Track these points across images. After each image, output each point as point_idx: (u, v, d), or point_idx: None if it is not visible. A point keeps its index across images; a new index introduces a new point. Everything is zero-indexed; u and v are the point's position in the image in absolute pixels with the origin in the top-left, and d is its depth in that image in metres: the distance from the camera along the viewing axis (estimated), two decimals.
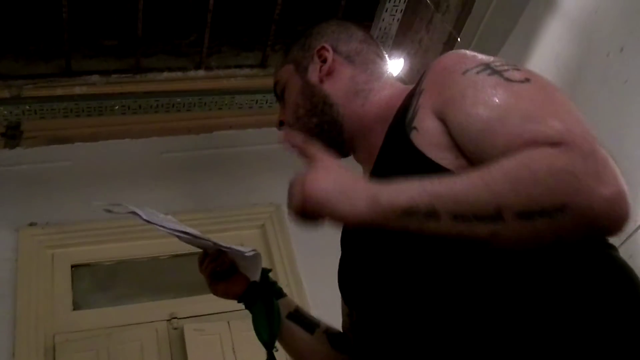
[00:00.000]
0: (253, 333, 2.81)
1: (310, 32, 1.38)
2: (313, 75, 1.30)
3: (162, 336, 2.79)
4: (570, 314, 0.86)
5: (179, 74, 3.35)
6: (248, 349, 2.72)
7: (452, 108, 0.98)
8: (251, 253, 1.36)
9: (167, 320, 2.84)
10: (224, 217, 3.13)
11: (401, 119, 1.08)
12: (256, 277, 1.44)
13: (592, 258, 0.92)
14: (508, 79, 0.96)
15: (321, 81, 1.29)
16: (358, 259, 1.14)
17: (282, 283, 2.33)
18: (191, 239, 1.35)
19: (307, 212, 0.93)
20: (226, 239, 1.45)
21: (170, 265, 3.11)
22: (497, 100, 0.94)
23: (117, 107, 3.22)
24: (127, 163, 3.28)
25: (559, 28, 2.59)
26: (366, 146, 1.23)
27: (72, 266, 3.00)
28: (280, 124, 1.36)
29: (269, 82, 3.46)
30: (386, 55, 1.39)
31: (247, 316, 2.44)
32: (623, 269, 0.94)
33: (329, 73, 1.29)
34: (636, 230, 2.00)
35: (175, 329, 2.81)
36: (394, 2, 3.09)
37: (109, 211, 1.37)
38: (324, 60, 1.30)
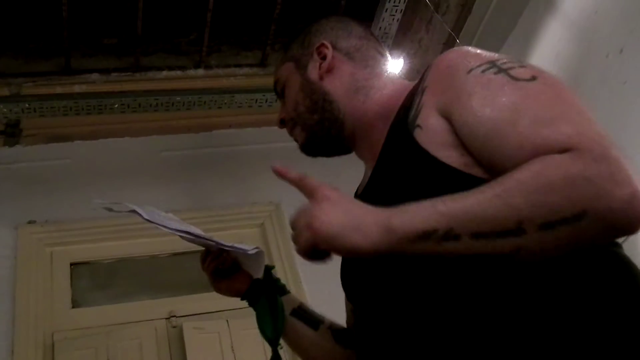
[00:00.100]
0: (252, 331, 2.81)
1: (310, 30, 1.37)
2: (313, 72, 1.30)
3: (161, 334, 2.79)
4: (574, 311, 0.86)
5: (179, 72, 3.34)
6: (247, 347, 2.72)
7: (459, 107, 0.97)
8: (254, 251, 1.36)
9: (166, 318, 2.84)
10: (224, 215, 3.13)
11: (404, 116, 1.08)
12: (259, 274, 1.43)
13: (596, 256, 0.91)
14: (515, 78, 0.95)
15: (321, 78, 1.29)
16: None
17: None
18: (193, 238, 1.35)
19: (319, 249, 0.91)
20: (225, 237, 1.45)
21: (170, 263, 3.11)
22: (505, 101, 0.93)
23: (116, 106, 3.22)
24: (127, 161, 3.28)
25: (559, 29, 2.60)
26: (368, 143, 1.23)
27: (71, 264, 3.00)
28: (281, 122, 1.36)
29: (269, 81, 3.46)
30: (387, 51, 1.39)
31: (246, 315, 2.44)
32: (627, 266, 0.94)
33: (329, 70, 1.29)
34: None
35: (174, 327, 2.81)
36: (394, 2, 3.09)
37: (110, 209, 1.36)
38: (324, 57, 1.30)
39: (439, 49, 3.17)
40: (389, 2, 3.08)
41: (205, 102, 3.31)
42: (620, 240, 0.97)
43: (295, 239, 0.95)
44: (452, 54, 1.08)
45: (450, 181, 0.95)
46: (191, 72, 3.36)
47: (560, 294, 0.88)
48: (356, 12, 3.13)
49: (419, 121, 1.03)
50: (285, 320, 1.39)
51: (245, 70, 3.41)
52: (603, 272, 0.91)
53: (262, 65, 3.39)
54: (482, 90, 0.96)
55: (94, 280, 3.02)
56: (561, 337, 0.85)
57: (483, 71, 0.98)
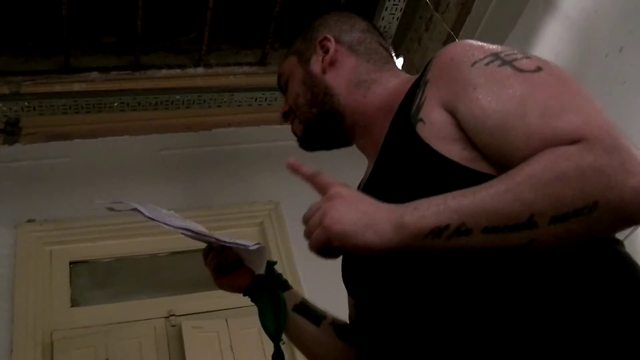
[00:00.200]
0: (251, 330, 2.82)
1: (313, 24, 1.38)
2: (315, 66, 1.30)
3: (160, 333, 2.79)
4: (576, 309, 0.86)
5: (178, 71, 3.35)
6: (246, 346, 2.73)
7: (464, 101, 0.97)
8: (255, 246, 1.36)
9: (165, 317, 2.84)
10: (223, 214, 3.13)
11: (406, 110, 1.08)
12: (261, 270, 1.43)
13: (598, 254, 0.91)
14: (520, 69, 0.95)
15: (323, 71, 1.29)
16: None
17: None
18: (194, 235, 1.35)
19: (331, 247, 0.92)
20: (225, 236, 1.45)
21: (169, 262, 3.11)
22: (511, 93, 0.92)
23: (116, 104, 3.22)
24: (126, 160, 3.28)
25: (558, 28, 2.60)
26: (370, 137, 1.23)
27: (71, 263, 2.99)
28: (284, 116, 1.37)
29: (268, 79, 3.48)
30: (390, 45, 1.38)
31: (245, 314, 2.44)
32: (629, 265, 0.94)
33: (332, 63, 1.29)
34: (635, 228, 2.00)
35: (173, 326, 2.81)
36: (394, 1, 3.09)
37: (111, 209, 1.36)
38: (327, 51, 1.30)
39: (438, 48, 3.17)
40: (389, 1, 3.08)
41: (204, 101, 3.31)
42: (621, 237, 0.97)
43: (307, 235, 0.95)
44: (455, 47, 1.07)
45: (451, 175, 0.95)
46: (191, 70, 3.36)
47: (561, 292, 0.88)
48: (356, 10, 3.10)
49: (421, 115, 1.03)
50: (287, 316, 1.39)
51: (245, 68, 3.41)
52: (605, 270, 0.91)
53: (261, 64, 3.39)
54: (487, 82, 0.96)
55: (93, 279, 3.02)
56: (563, 335, 0.85)
57: (487, 63, 0.98)
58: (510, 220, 0.82)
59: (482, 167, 0.95)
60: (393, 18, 3.16)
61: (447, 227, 0.85)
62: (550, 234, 0.82)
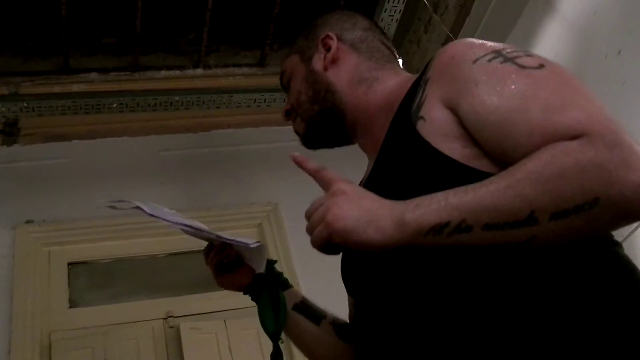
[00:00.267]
0: (249, 332, 2.82)
1: (315, 23, 1.38)
2: (317, 63, 1.31)
3: (159, 334, 2.78)
4: (574, 310, 0.86)
5: (177, 72, 3.35)
6: (244, 347, 2.72)
7: (466, 98, 0.97)
8: (255, 245, 1.36)
9: (164, 318, 2.84)
10: (222, 215, 3.13)
11: (406, 108, 1.08)
12: (262, 269, 1.43)
13: (596, 256, 0.91)
14: (522, 66, 0.95)
15: (325, 69, 1.29)
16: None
17: None
18: (195, 232, 1.35)
19: (332, 242, 0.92)
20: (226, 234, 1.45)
21: (167, 263, 3.11)
22: (514, 89, 0.92)
23: (115, 105, 3.22)
24: (125, 161, 3.27)
25: (557, 29, 2.60)
26: (370, 135, 1.23)
27: (69, 264, 2.99)
28: (287, 114, 1.37)
29: (268, 81, 3.48)
30: (391, 44, 1.39)
31: (243, 315, 2.44)
32: (627, 267, 0.94)
33: (334, 61, 1.29)
34: (634, 230, 2.00)
35: (172, 327, 2.80)
36: (393, 2, 3.09)
37: (113, 207, 1.36)
38: (329, 49, 1.30)
39: (437, 49, 3.16)
40: (388, 2, 3.08)
41: (203, 102, 3.31)
42: (620, 239, 0.97)
43: (309, 231, 0.96)
44: (457, 45, 1.07)
45: (452, 174, 0.95)
46: (190, 71, 3.36)
47: (560, 293, 0.87)
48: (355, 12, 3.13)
49: (422, 113, 1.03)
50: (287, 314, 1.39)
51: (244, 70, 3.41)
52: (603, 272, 0.91)
53: (260, 65, 3.39)
54: (489, 79, 0.96)
55: (91, 280, 3.01)
56: (561, 336, 0.84)
57: (489, 60, 0.98)
58: (510, 217, 0.82)
59: (483, 165, 0.95)
60: (392, 20, 3.16)
61: (447, 224, 0.85)
62: (551, 230, 0.82)
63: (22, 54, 3.18)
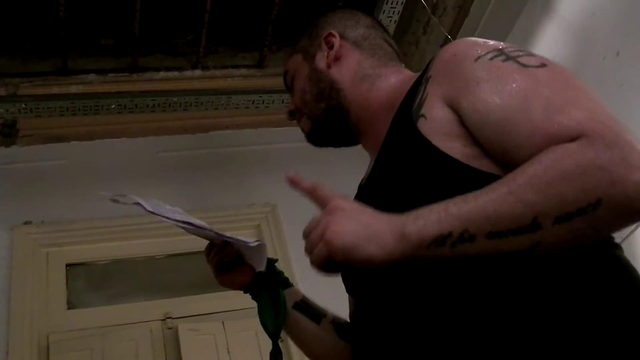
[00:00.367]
0: (247, 333, 2.81)
1: (318, 21, 1.38)
2: (321, 61, 1.31)
3: (157, 336, 2.78)
4: (573, 314, 0.86)
5: (176, 73, 3.34)
6: (242, 349, 2.72)
7: (468, 96, 0.96)
8: (255, 243, 1.36)
9: (162, 320, 2.84)
10: (220, 216, 3.12)
11: (407, 106, 1.07)
12: (262, 267, 1.43)
13: (596, 258, 0.91)
14: (524, 65, 0.94)
15: (328, 67, 1.29)
16: None
17: None
18: (195, 230, 1.35)
19: (333, 261, 0.91)
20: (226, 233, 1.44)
21: (165, 264, 3.11)
22: (515, 88, 0.92)
23: (113, 106, 3.21)
24: (123, 162, 3.27)
25: (556, 31, 2.60)
26: (372, 133, 1.22)
27: (67, 265, 2.99)
28: (291, 114, 1.37)
29: (266, 82, 3.47)
30: (394, 41, 1.39)
31: (242, 316, 2.43)
32: (626, 269, 0.93)
33: (337, 59, 1.29)
34: (633, 231, 2.00)
35: (170, 328, 2.80)
36: (391, 4, 3.09)
37: (116, 201, 1.36)
38: (331, 47, 1.30)
39: (436, 51, 3.16)
40: (386, 4, 3.08)
41: (202, 103, 3.31)
42: (618, 241, 0.97)
43: (308, 250, 0.94)
44: (458, 44, 1.07)
45: (452, 173, 0.95)
46: (188, 73, 3.36)
47: (561, 297, 0.87)
48: None
49: (423, 111, 1.02)
50: (287, 313, 1.39)
51: (242, 71, 3.41)
52: (604, 275, 0.90)
53: (259, 67, 3.39)
54: (491, 77, 0.95)
55: (89, 282, 3.01)
56: (560, 340, 0.84)
57: (491, 59, 0.97)
58: (513, 224, 0.82)
59: (483, 165, 0.94)
60: (390, 21, 3.16)
61: (450, 234, 0.84)
62: (555, 235, 0.81)
63: (20, 55, 3.18)
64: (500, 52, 0.98)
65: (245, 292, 1.45)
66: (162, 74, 3.32)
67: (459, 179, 0.92)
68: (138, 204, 1.30)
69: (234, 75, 3.40)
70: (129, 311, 2.88)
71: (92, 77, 3.23)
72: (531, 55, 0.97)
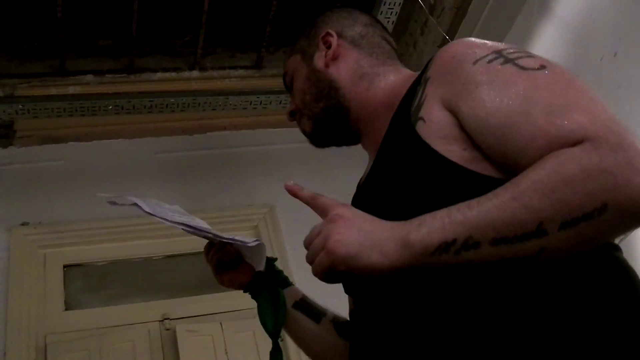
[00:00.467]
0: (245, 334, 2.81)
1: (316, 21, 1.37)
2: (319, 61, 1.30)
3: (155, 337, 2.78)
4: (572, 315, 0.85)
5: (173, 74, 3.34)
6: (240, 349, 2.72)
7: (467, 100, 0.95)
8: (254, 243, 1.35)
9: (160, 321, 2.84)
10: (218, 217, 3.11)
11: (406, 107, 1.07)
12: (261, 267, 1.43)
13: (595, 259, 0.90)
14: (523, 67, 0.93)
15: (327, 66, 1.28)
16: None
17: None
18: (194, 230, 1.34)
19: (336, 270, 0.90)
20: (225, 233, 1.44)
21: (163, 265, 3.10)
22: (515, 91, 0.90)
23: (110, 107, 3.21)
24: (121, 163, 3.27)
25: (553, 32, 2.60)
26: (372, 132, 1.22)
27: (65, 266, 2.99)
28: (291, 115, 1.36)
29: (264, 83, 3.47)
30: (392, 39, 1.38)
31: (240, 317, 2.42)
32: (625, 270, 0.93)
33: (335, 58, 1.29)
34: (629, 233, 2.00)
35: (168, 329, 2.80)
36: (389, 5, 3.09)
37: (114, 203, 1.35)
38: (329, 46, 1.30)
39: (433, 52, 3.16)
40: (384, 4, 3.08)
41: (199, 104, 3.31)
42: (617, 241, 0.97)
43: (310, 260, 0.93)
44: (457, 45, 1.06)
45: (450, 176, 0.94)
46: (186, 73, 3.36)
47: (558, 298, 0.87)
48: None
49: (422, 113, 1.01)
50: (287, 312, 1.38)
51: (240, 72, 3.41)
52: (601, 276, 0.90)
53: (256, 67, 3.39)
54: (490, 80, 0.94)
55: (87, 283, 3.01)
56: (559, 341, 0.84)
57: (490, 61, 0.96)
58: (519, 230, 0.81)
59: (482, 168, 0.93)
60: (388, 22, 3.16)
61: (454, 241, 0.83)
62: (561, 240, 0.80)
63: (18, 56, 3.18)
64: (499, 54, 0.97)
65: (244, 292, 1.44)
66: (159, 74, 3.32)
67: (457, 182, 0.92)
68: (136, 204, 1.29)
69: (232, 76, 3.40)
70: (127, 312, 2.88)
71: (89, 77, 3.23)
72: (531, 56, 0.96)
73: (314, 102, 1.29)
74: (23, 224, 3.00)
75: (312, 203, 0.98)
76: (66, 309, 2.87)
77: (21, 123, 3.24)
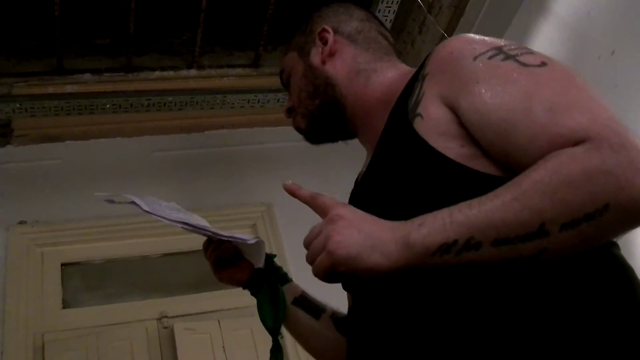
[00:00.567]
0: (243, 332, 2.81)
1: (312, 17, 1.36)
2: (315, 58, 1.29)
3: (152, 335, 2.78)
4: (571, 313, 0.85)
5: (171, 72, 3.34)
6: (238, 347, 2.72)
7: (467, 96, 0.94)
8: (253, 240, 1.35)
9: (158, 319, 2.83)
10: (216, 216, 3.11)
11: (403, 104, 1.06)
12: (260, 263, 1.43)
13: (593, 257, 0.89)
14: (524, 64, 0.92)
15: (323, 63, 1.28)
16: None
17: None
18: (191, 228, 1.34)
19: (336, 271, 0.90)
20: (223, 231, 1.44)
21: (161, 264, 3.10)
22: (516, 88, 0.90)
23: (108, 106, 3.21)
24: (118, 162, 3.27)
25: (551, 30, 2.60)
26: (369, 129, 1.21)
27: (62, 264, 2.99)
28: (288, 112, 1.36)
29: (261, 81, 3.46)
30: (389, 34, 1.37)
31: (238, 315, 2.42)
32: (623, 267, 0.93)
33: (331, 54, 1.28)
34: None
35: (166, 327, 2.80)
36: (387, 3, 3.09)
37: (111, 201, 1.35)
38: (325, 42, 1.29)
39: (431, 50, 3.17)
40: (382, 3, 3.08)
41: (197, 103, 3.31)
42: (616, 239, 0.97)
43: (310, 261, 0.93)
44: (455, 40, 1.05)
45: (447, 173, 0.94)
46: (184, 72, 3.35)
47: (556, 296, 0.86)
48: None
49: (419, 110, 1.00)
50: (286, 309, 1.38)
51: (238, 70, 3.41)
52: (599, 273, 0.90)
53: (254, 66, 3.38)
54: (490, 77, 0.93)
55: (85, 281, 3.01)
56: (557, 339, 0.84)
57: (490, 57, 0.95)
58: (520, 230, 0.80)
59: (480, 165, 0.93)
60: (386, 20, 3.16)
61: (455, 242, 0.83)
62: (562, 241, 0.80)
63: (15, 54, 3.17)
64: (499, 50, 0.96)
65: (244, 289, 1.44)
66: (157, 73, 3.32)
67: (455, 180, 0.91)
68: (134, 203, 1.29)
69: (230, 75, 3.40)
70: (125, 310, 2.88)
71: (87, 76, 3.23)
72: (531, 53, 0.95)
73: (310, 100, 1.28)
74: (20, 223, 3.00)
75: (312, 203, 0.98)
76: (64, 308, 2.86)
77: (18, 122, 3.23)
